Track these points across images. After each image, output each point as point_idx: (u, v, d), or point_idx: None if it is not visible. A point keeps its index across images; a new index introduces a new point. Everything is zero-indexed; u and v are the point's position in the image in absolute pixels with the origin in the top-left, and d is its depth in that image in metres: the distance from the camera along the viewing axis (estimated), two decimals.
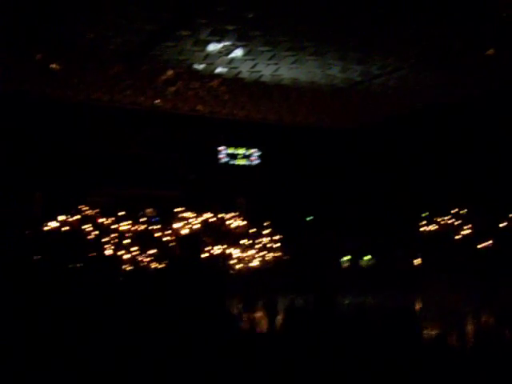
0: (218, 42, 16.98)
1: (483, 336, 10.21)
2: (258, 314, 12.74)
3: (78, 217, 21.70)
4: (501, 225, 20.36)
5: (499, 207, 20.32)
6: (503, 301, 14.92)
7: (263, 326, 11.46)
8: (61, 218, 21.24)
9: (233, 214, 23.82)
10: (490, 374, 6.13)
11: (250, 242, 21.74)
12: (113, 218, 21.88)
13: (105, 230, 21.34)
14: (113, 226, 21.67)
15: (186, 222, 22.20)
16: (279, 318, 11.99)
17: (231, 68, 19.29)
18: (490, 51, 17.43)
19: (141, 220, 22.60)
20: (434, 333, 10.81)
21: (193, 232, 20.72)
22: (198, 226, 22.33)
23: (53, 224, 21.02)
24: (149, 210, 24.01)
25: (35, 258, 16.35)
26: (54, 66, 18.87)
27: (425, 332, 11.14)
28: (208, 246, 21.09)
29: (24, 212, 22.06)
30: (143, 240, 20.77)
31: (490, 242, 20.82)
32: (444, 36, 16.45)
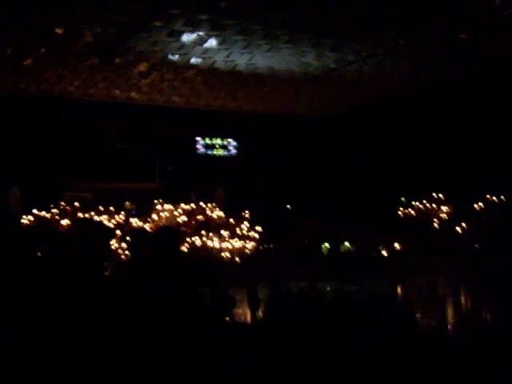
0: (192, 32, 16.88)
1: (463, 320, 10.33)
2: (240, 305, 12.73)
3: (56, 211, 21.44)
4: (476, 206, 20.50)
5: (476, 189, 20.47)
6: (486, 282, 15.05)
7: (246, 316, 11.46)
8: (38, 212, 20.97)
9: (212, 205, 23.70)
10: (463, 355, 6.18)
11: (230, 231, 21.66)
12: (91, 213, 21.66)
13: None
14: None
15: (164, 213, 22.02)
16: (261, 307, 12.01)
17: (206, 58, 19.21)
18: (463, 35, 17.51)
19: (120, 213, 22.37)
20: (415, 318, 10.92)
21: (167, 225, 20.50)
22: (178, 217, 22.16)
23: (30, 219, 20.75)
24: (127, 203, 23.83)
25: (12, 253, 16.08)
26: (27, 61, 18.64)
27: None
28: (187, 237, 20.98)
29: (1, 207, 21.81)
30: (122, 234, 20.56)
31: (468, 224, 20.98)
32: (417, 20, 16.49)
